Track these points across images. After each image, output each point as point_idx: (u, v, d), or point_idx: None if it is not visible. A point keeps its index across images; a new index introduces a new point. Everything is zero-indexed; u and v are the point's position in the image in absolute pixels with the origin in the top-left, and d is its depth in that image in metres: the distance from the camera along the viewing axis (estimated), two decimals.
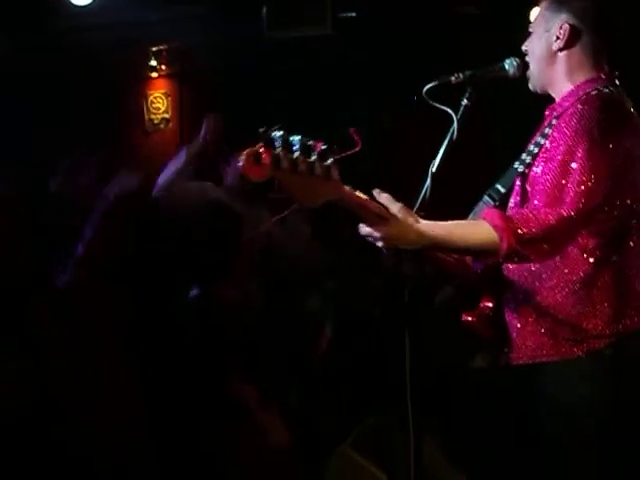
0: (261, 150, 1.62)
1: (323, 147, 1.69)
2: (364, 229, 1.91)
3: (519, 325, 2.19)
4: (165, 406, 3.19)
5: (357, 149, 1.79)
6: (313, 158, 1.68)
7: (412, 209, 2.04)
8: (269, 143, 1.63)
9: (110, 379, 2.79)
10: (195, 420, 3.24)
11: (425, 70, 2.26)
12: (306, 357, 4.15)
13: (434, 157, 2.14)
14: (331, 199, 1.75)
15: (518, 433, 2.31)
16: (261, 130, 1.62)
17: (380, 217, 1.87)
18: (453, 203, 2.28)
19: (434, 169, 2.11)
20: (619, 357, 2.08)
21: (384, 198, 1.90)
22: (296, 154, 1.65)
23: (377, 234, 1.89)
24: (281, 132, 1.64)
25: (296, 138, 1.66)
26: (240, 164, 1.62)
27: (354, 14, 5.14)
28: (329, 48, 5.15)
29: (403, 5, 5.03)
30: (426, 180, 2.11)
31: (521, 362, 2.19)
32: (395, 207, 1.90)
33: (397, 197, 1.95)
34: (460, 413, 3.48)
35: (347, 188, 1.79)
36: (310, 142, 1.67)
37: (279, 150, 1.63)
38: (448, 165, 2.13)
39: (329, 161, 1.70)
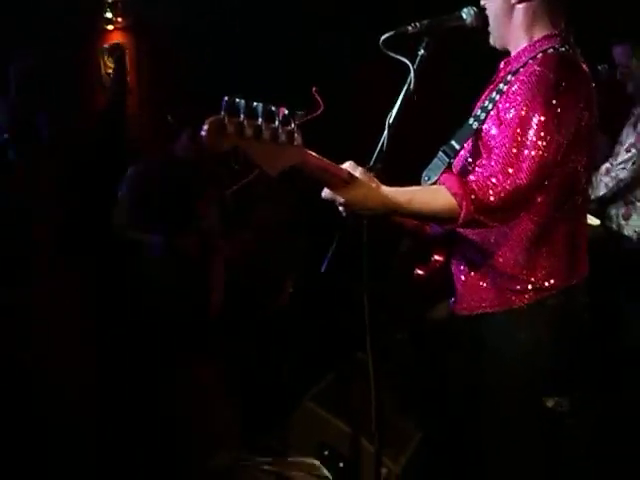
0: (225, 118, 1.58)
1: (286, 112, 1.66)
2: (327, 193, 1.91)
3: (464, 277, 2.23)
4: (117, 365, 3.20)
5: (319, 111, 1.76)
6: (276, 124, 1.65)
7: (371, 161, 2.04)
8: (231, 111, 1.59)
9: (62, 338, 2.78)
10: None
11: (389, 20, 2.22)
12: (267, 310, 4.17)
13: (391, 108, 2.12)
14: (295, 164, 1.73)
15: (467, 382, 2.35)
16: (224, 98, 1.58)
17: (343, 181, 1.86)
18: (410, 155, 2.28)
19: (391, 120, 2.08)
20: (562, 308, 2.13)
21: (347, 164, 1.90)
22: (259, 121, 1.62)
23: (339, 198, 1.89)
24: (243, 100, 1.61)
25: (259, 104, 1.63)
26: (203, 134, 1.58)
27: None
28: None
29: None
30: (383, 131, 2.09)
31: (465, 312, 2.24)
32: (358, 172, 1.89)
33: (358, 149, 1.93)
34: (420, 362, 3.54)
35: (310, 153, 1.78)
36: (272, 108, 1.64)
37: (243, 118, 1.60)
38: (405, 116, 2.11)
39: (292, 126, 1.67)
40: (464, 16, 2.19)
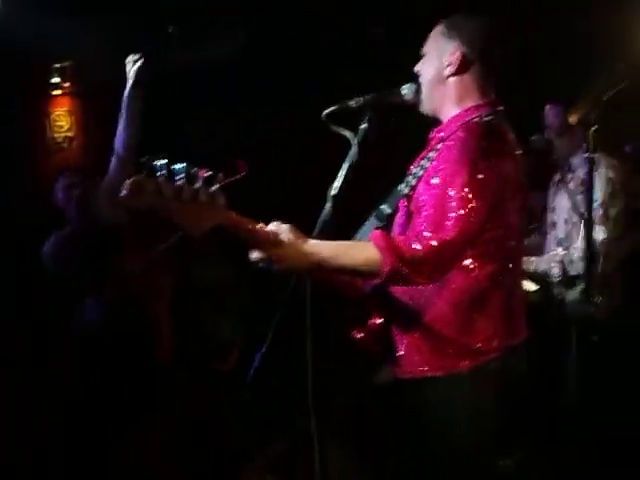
0: (145, 178, 1.62)
1: (207, 174, 1.70)
2: (254, 254, 1.94)
3: (405, 341, 2.25)
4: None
5: (242, 175, 1.80)
6: (197, 185, 1.69)
7: (313, 232, 2.08)
8: (152, 172, 1.63)
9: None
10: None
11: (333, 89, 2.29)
12: (216, 372, 4.13)
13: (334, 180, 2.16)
14: (217, 225, 1.77)
15: (412, 449, 2.36)
16: (143, 159, 1.62)
17: (267, 241, 1.90)
18: (352, 226, 2.32)
19: (334, 192, 2.13)
20: (502, 370, 2.17)
21: (272, 224, 1.94)
22: (180, 182, 1.66)
23: (266, 258, 1.92)
24: (164, 161, 1.64)
25: (180, 166, 1.66)
26: (123, 193, 1.60)
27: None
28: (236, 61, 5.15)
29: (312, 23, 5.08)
30: (326, 203, 2.13)
31: (407, 377, 2.25)
32: (283, 229, 1.93)
33: (298, 219, 1.97)
34: (364, 427, 3.54)
35: (234, 214, 1.82)
36: (194, 170, 1.68)
37: (162, 179, 1.64)
38: (349, 188, 2.16)
39: (214, 188, 1.71)
40: (405, 92, 2.27)
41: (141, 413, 3.59)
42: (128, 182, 1.61)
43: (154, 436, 3.66)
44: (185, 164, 1.66)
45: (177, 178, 1.66)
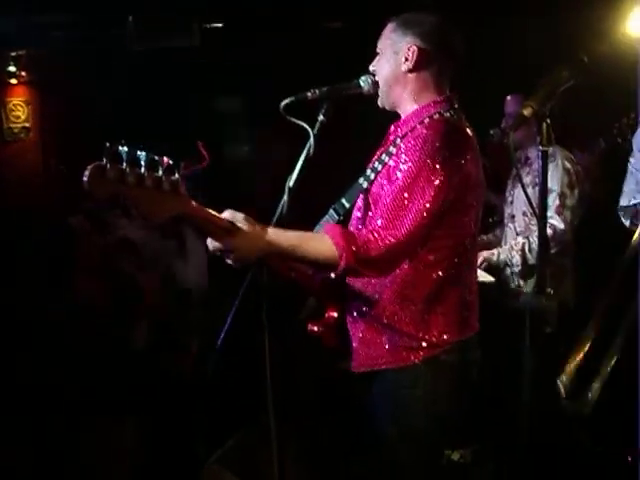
0: (106, 165, 1.59)
1: (170, 162, 1.69)
2: (211, 243, 1.94)
3: (360, 335, 2.27)
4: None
5: (204, 163, 1.79)
6: (160, 173, 1.68)
7: (270, 223, 2.07)
8: (114, 158, 1.60)
9: None
10: None
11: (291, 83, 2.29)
12: (172, 373, 4.10)
13: (291, 171, 2.16)
14: (178, 214, 1.76)
15: (363, 441, 2.38)
16: (107, 145, 1.59)
17: (225, 230, 1.89)
18: (310, 218, 2.32)
19: (291, 183, 2.13)
20: (455, 362, 2.20)
21: (227, 212, 1.93)
22: (142, 169, 1.65)
23: (223, 247, 1.92)
24: (127, 147, 1.62)
25: (142, 153, 1.65)
26: (85, 180, 1.58)
27: (220, 25, 5.12)
28: (195, 58, 5.11)
29: (270, 18, 5.06)
30: (283, 195, 2.13)
31: (362, 370, 2.27)
32: (238, 218, 1.93)
33: (256, 210, 1.97)
34: (321, 420, 3.55)
35: (194, 203, 1.80)
36: (156, 158, 1.67)
37: (125, 165, 1.62)
38: (305, 179, 2.15)
39: (176, 176, 1.70)
40: (362, 84, 2.27)
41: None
42: (89, 168, 1.58)
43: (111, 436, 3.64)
44: (147, 151, 1.65)
45: (140, 165, 1.65)
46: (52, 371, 3.78)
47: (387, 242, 1.99)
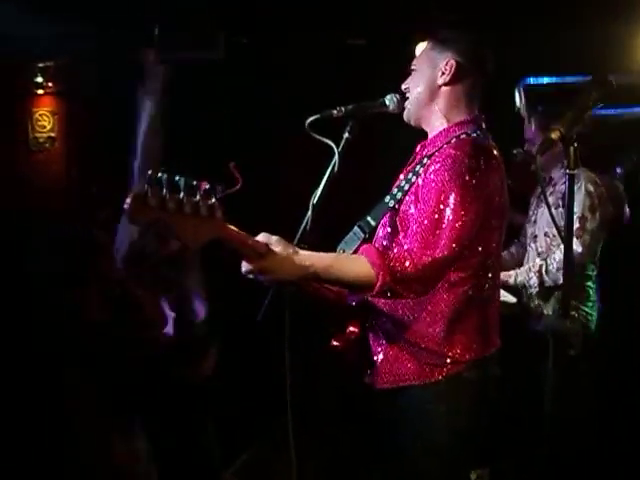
0: (148, 192, 1.61)
1: (207, 187, 1.71)
2: (245, 266, 1.96)
3: (383, 351, 2.28)
4: None
5: (238, 186, 1.80)
6: (197, 198, 1.69)
7: (294, 240, 2.08)
8: (155, 185, 1.63)
9: None
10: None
11: (315, 100, 2.30)
12: (189, 381, 4.09)
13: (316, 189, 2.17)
14: (214, 238, 1.77)
15: (385, 455, 2.38)
16: (149, 173, 1.62)
17: (259, 253, 1.90)
18: (335, 235, 2.33)
19: (315, 200, 2.14)
20: (477, 379, 2.22)
21: (261, 235, 1.95)
22: (181, 194, 1.66)
23: (255, 269, 1.93)
24: (165, 174, 1.65)
25: (180, 179, 1.66)
26: (126, 207, 1.60)
27: (245, 40, 5.15)
28: (219, 72, 5.13)
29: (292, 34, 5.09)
30: (307, 211, 2.14)
31: (385, 386, 2.28)
32: (272, 241, 1.94)
33: (283, 227, 1.98)
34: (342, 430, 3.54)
35: (229, 226, 1.82)
36: (194, 182, 1.69)
37: (165, 191, 1.64)
38: (329, 197, 2.17)
39: (213, 200, 1.72)
40: (387, 102, 2.30)
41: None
42: (131, 194, 1.61)
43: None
44: (185, 177, 1.67)
45: (179, 190, 1.67)
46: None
47: (424, 261, 2.00)
